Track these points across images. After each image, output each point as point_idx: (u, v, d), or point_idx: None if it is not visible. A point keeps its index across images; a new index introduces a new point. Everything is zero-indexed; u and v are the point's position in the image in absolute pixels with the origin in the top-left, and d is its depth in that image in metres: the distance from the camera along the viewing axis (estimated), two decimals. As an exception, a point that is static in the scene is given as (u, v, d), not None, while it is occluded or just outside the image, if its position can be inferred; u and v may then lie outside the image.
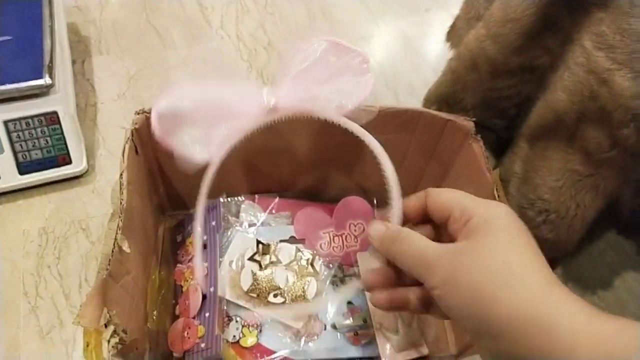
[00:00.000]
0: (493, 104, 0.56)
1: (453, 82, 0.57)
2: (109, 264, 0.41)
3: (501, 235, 0.32)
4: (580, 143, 0.46)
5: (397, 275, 0.40)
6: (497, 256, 0.31)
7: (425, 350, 0.55)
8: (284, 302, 0.55)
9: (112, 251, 0.42)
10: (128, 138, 0.48)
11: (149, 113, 0.51)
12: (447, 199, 0.37)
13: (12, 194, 0.66)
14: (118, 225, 0.43)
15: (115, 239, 0.42)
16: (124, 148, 0.47)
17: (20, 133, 0.63)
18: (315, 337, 0.54)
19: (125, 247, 0.43)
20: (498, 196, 0.48)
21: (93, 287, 0.39)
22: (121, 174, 0.46)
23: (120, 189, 0.45)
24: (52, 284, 0.61)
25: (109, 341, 0.38)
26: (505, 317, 0.29)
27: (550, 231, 0.49)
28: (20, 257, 0.62)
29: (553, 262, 0.51)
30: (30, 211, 0.66)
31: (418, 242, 0.36)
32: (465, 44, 0.55)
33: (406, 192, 0.65)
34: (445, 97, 0.58)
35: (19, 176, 0.65)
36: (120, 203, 0.44)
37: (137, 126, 0.50)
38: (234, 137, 0.37)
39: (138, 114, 0.50)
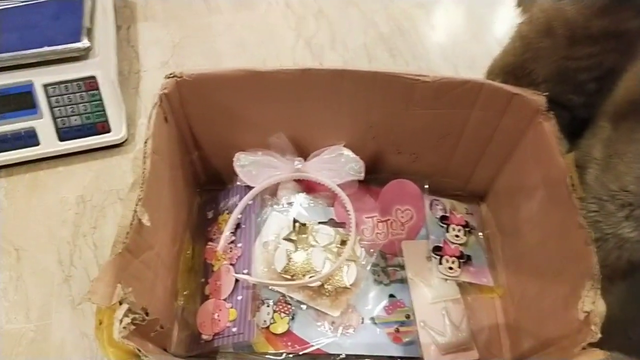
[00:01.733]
0: (569, 76, 0.48)
1: (522, 49, 0.49)
2: (126, 237, 0.38)
3: None
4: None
5: None
6: None
7: (475, 355, 0.49)
8: (320, 287, 0.50)
9: (131, 223, 0.38)
10: (156, 104, 0.45)
11: (180, 77, 0.47)
12: None
13: (52, 160, 0.66)
14: (139, 196, 0.40)
15: (135, 211, 0.39)
16: (151, 114, 0.44)
17: (60, 98, 0.62)
18: (352, 330, 0.49)
19: (145, 220, 0.40)
20: (572, 185, 0.41)
21: (107, 262, 0.36)
22: (146, 141, 0.42)
23: (144, 157, 0.42)
24: (86, 253, 0.60)
25: (121, 321, 0.35)
26: None
27: (635, 229, 0.41)
28: (57, 225, 0.61)
29: (634, 266, 0.43)
30: (70, 179, 0.65)
31: None
32: (540, 5, 0.47)
33: (460, 178, 0.59)
34: (513, 67, 0.51)
35: (59, 142, 0.64)
36: (143, 172, 0.41)
37: (166, 91, 0.46)
38: (274, 179, 0.57)
39: (168, 77, 0.47)
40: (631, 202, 0.41)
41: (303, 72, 0.48)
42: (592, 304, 0.36)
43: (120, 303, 0.36)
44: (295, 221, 0.54)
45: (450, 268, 0.52)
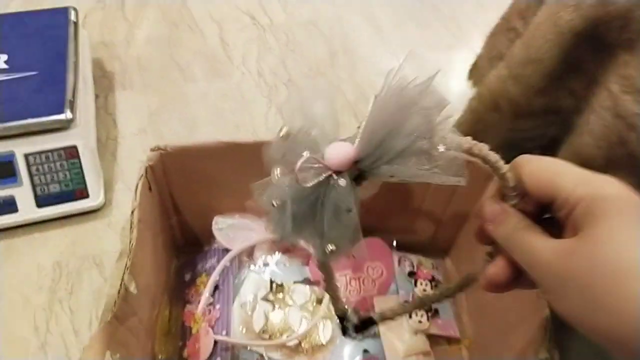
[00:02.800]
0: (516, 144, 0.54)
1: (473, 122, 0.55)
2: (114, 306, 0.40)
3: (615, 225, 0.25)
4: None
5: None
6: (612, 255, 0.25)
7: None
8: (297, 345, 0.52)
9: (119, 292, 0.40)
10: (142, 175, 0.48)
11: (164, 150, 0.51)
12: (545, 178, 0.29)
13: (28, 227, 0.66)
14: (126, 265, 0.42)
15: (122, 279, 0.41)
16: (137, 185, 0.47)
17: (40, 166, 0.64)
18: (329, 387, 0.51)
19: (132, 289, 0.42)
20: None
21: (97, 330, 0.38)
22: (132, 212, 0.45)
23: (131, 227, 0.44)
24: (62, 319, 0.60)
25: (110, 388, 0.36)
26: (628, 337, 0.24)
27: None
28: (33, 292, 0.61)
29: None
30: (46, 245, 0.66)
31: (531, 238, 0.29)
32: (487, 84, 0.53)
33: (425, 235, 0.63)
34: (467, 136, 0.56)
35: (37, 209, 0.65)
36: (130, 242, 0.43)
37: (151, 163, 0.49)
38: (251, 241, 0.59)
39: (153, 150, 0.50)
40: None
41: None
42: (547, 352, 0.39)
43: (109, 370, 0.37)
44: (271, 282, 0.57)
45: (420, 321, 0.55)
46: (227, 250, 0.59)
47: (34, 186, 0.64)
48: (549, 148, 0.53)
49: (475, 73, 0.63)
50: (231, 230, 0.59)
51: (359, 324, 0.45)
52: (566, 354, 0.40)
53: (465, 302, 0.59)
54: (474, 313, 0.57)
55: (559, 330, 0.41)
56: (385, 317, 0.45)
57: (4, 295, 0.61)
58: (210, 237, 0.59)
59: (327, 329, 0.54)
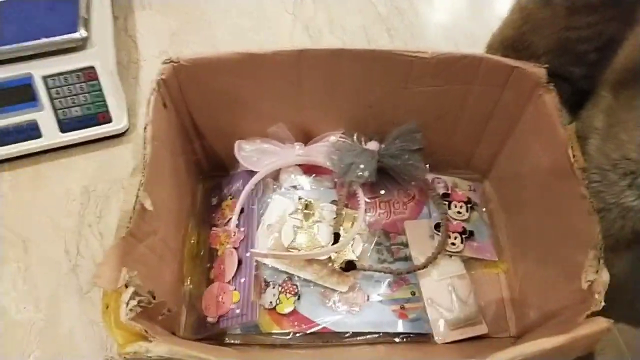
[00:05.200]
0: (569, 47, 0.47)
1: (522, 21, 0.49)
2: (129, 222, 0.38)
3: None
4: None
5: None
6: None
7: (484, 329, 0.49)
8: (327, 262, 0.51)
9: (133, 208, 0.39)
10: (153, 89, 0.45)
11: (177, 62, 0.47)
12: None
13: (54, 152, 0.66)
14: (140, 181, 0.40)
15: (137, 195, 0.39)
16: (149, 100, 0.44)
17: (60, 89, 0.62)
18: (357, 309, 0.50)
19: (148, 205, 0.40)
20: (573, 156, 0.41)
21: (111, 247, 0.37)
22: (145, 127, 0.42)
23: (144, 143, 0.42)
24: (92, 243, 0.60)
25: (127, 303, 0.35)
26: None
27: (638, 197, 0.41)
28: (62, 216, 0.62)
29: (638, 235, 0.43)
30: (73, 170, 0.65)
31: None
32: (538, -24, 0.46)
33: (462, 155, 0.59)
34: (512, 40, 0.50)
35: (60, 134, 0.64)
36: (143, 157, 0.41)
37: (164, 77, 0.46)
38: (277, 164, 0.57)
39: (165, 63, 0.46)
40: (633, 170, 0.41)
41: (300, 53, 0.48)
42: (596, 273, 0.36)
43: (126, 286, 0.36)
44: (300, 198, 0.55)
45: (453, 244, 0.52)
46: (252, 173, 0.57)
47: (55, 110, 0.63)
48: (606, 50, 0.47)
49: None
50: (255, 154, 0.57)
51: (343, 266, 0.49)
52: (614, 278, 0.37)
53: (504, 226, 0.55)
54: (513, 237, 0.53)
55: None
56: (364, 269, 0.50)
57: (34, 219, 0.61)
58: (235, 161, 0.57)
59: (357, 245, 0.52)
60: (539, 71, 0.46)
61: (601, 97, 0.46)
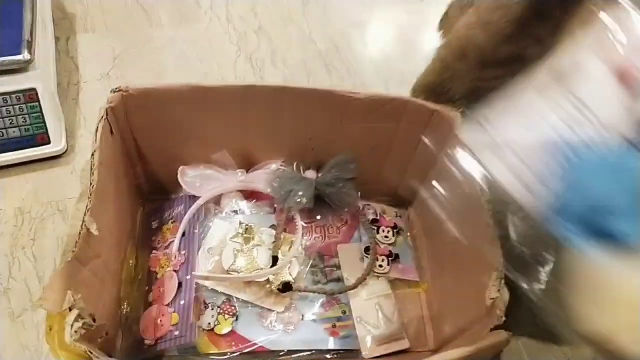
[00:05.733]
0: (482, 94, 0.54)
1: (441, 70, 0.55)
2: (75, 246, 0.40)
3: None
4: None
5: None
6: None
7: (406, 344, 0.54)
8: (265, 284, 0.54)
9: (80, 233, 0.40)
10: (102, 117, 0.47)
11: (126, 91, 0.49)
12: None
13: (-12, 173, 0.65)
14: (87, 206, 0.42)
15: (84, 220, 0.41)
16: (97, 127, 0.46)
17: (-2, 110, 0.61)
18: (292, 327, 0.53)
19: (94, 230, 0.41)
20: (482, 190, 0.47)
21: (57, 270, 0.38)
22: (93, 154, 0.44)
23: (92, 169, 0.43)
24: (26, 266, 0.59)
25: (72, 325, 0.37)
26: None
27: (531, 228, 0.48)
28: (-6, 237, 0.61)
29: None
30: (7, 191, 0.64)
31: None
32: (455, 32, 0.53)
33: (390, 184, 0.64)
34: (433, 86, 0.57)
35: (-4, 154, 0.63)
36: (91, 184, 0.43)
37: (112, 105, 0.48)
38: (220, 189, 0.60)
39: (114, 92, 0.48)
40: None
41: (246, 89, 0.52)
42: (497, 292, 0.41)
43: (70, 309, 0.37)
44: (240, 223, 0.57)
45: (381, 266, 0.57)
46: (194, 198, 0.59)
47: (-8, 130, 0.62)
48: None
49: (446, 23, 0.63)
50: (198, 180, 0.59)
51: (280, 288, 0.53)
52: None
53: (426, 250, 0.61)
54: (433, 260, 0.59)
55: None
56: (300, 290, 0.55)
57: (-36, 240, 0.60)
58: (177, 185, 0.59)
59: (294, 268, 0.55)
60: (454, 114, 0.52)
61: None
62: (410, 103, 0.53)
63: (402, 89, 0.77)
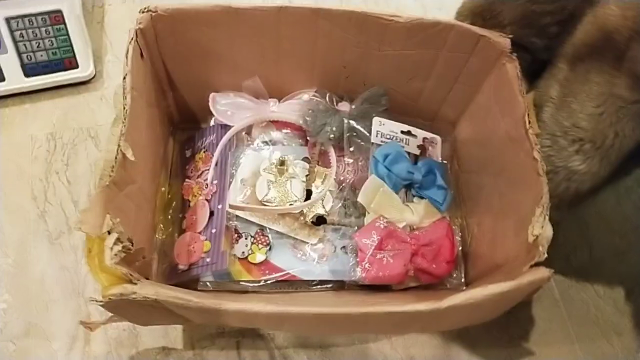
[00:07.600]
0: (533, 19, 0.50)
1: (489, -7, 0.51)
2: (112, 171, 0.39)
3: None
4: (629, 65, 0.41)
5: None
6: None
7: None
8: (299, 217, 0.53)
9: (116, 158, 0.40)
10: (132, 39, 0.45)
11: (155, 11, 0.47)
12: None
13: (18, 97, 0.64)
14: (121, 131, 0.41)
15: (119, 145, 0.40)
16: (127, 49, 0.44)
17: (24, 32, 0.60)
18: (325, 259, 0.53)
19: (130, 155, 0.41)
20: (529, 122, 0.44)
21: (95, 193, 0.38)
22: (124, 78, 0.43)
23: (124, 93, 0.42)
24: (60, 190, 0.60)
25: (111, 248, 0.37)
26: None
27: (583, 162, 0.45)
28: (28, 162, 0.61)
29: (580, 197, 0.48)
30: (38, 116, 0.64)
31: None
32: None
33: (426, 116, 0.62)
34: (482, 9, 0.53)
35: (25, 78, 0.62)
36: (124, 108, 0.41)
37: (141, 26, 0.46)
38: (252, 119, 0.58)
39: (143, 12, 0.46)
40: (582, 137, 0.45)
41: (279, 10, 0.48)
42: (541, 228, 0.40)
43: (109, 232, 0.38)
44: (274, 153, 0.56)
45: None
46: (225, 127, 0.57)
47: (19, 53, 0.61)
48: (566, 24, 0.50)
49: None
50: (229, 108, 0.57)
51: (314, 220, 0.52)
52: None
53: (462, 183, 0.59)
54: (469, 194, 0.57)
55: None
56: (333, 223, 0.54)
57: (-1, 164, 0.60)
58: (207, 114, 0.58)
59: (327, 201, 0.54)
60: (503, 41, 0.49)
61: (558, 68, 0.49)
62: (455, 27, 0.49)
63: (442, 14, 0.73)
